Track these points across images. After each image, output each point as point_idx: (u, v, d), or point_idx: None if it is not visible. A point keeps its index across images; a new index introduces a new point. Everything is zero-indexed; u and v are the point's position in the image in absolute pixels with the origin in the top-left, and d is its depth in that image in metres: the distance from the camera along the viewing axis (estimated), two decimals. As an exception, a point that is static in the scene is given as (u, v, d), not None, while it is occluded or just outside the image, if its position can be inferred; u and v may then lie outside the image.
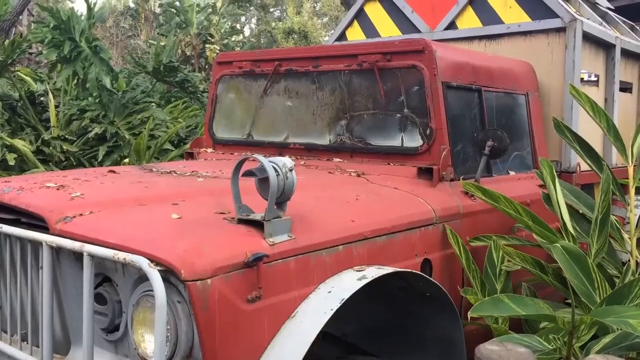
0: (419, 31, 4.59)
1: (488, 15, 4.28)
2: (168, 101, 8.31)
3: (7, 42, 6.24)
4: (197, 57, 13.83)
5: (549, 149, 3.90)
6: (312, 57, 3.58)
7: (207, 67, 13.76)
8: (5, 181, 2.61)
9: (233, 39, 15.84)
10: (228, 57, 4.04)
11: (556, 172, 3.18)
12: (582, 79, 4.09)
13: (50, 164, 5.87)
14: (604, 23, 4.74)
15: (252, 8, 27.49)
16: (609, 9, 5.39)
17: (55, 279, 2.16)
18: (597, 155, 3.28)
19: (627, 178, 3.26)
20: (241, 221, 2.14)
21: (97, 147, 6.07)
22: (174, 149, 6.36)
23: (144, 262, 1.80)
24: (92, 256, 1.96)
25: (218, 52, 13.89)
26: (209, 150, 3.99)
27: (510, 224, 3.27)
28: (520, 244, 3.08)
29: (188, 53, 13.78)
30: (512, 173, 3.58)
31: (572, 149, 3.41)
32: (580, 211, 3.24)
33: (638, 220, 3.42)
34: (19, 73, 7.40)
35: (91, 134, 5.96)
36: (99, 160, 5.87)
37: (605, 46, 4.46)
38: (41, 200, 2.31)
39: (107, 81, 6.07)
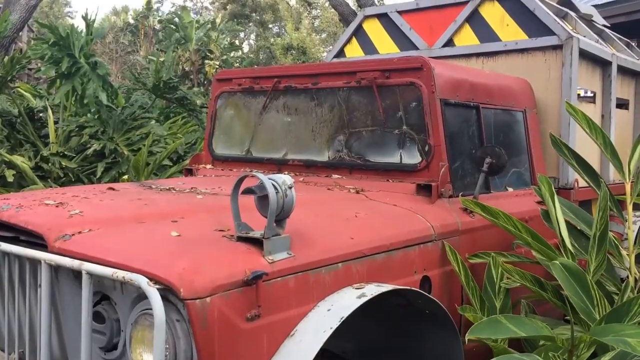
0: (417, 48, 4.62)
1: (485, 33, 4.31)
2: (167, 117, 8.34)
3: (6, 58, 6.27)
4: (196, 72, 13.91)
5: (547, 165, 3.91)
6: (311, 74, 3.60)
7: (205, 82, 13.84)
8: (4, 198, 2.62)
9: (232, 54, 15.93)
10: (227, 75, 4.06)
11: (554, 188, 3.18)
12: (579, 95, 4.12)
13: (49, 180, 5.87)
14: (600, 40, 4.78)
15: (251, 24, 27.68)
16: (604, 26, 5.45)
17: (53, 297, 2.15)
18: (594, 172, 3.29)
19: (625, 194, 3.27)
20: (240, 239, 2.14)
21: (95, 163, 6.08)
22: (172, 165, 6.36)
23: (143, 281, 1.80)
24: (90, 275, 1.96)
25: (217, 67, 13.97)
26: (208, 166, 4.00)
27: (509, 241, 3.27)
28: (520, 261, 3.08)
29: (187, 69, 13.86)
30: (510, 189, 3.59)
31: (569, 165, 3.43)
32: (579, 228, 3.24)
33: (636, 237, 3.42)
34: (18, 89, 7.43)
35: (90, 151, 5.97)
36: (98, 176, 5.87)
37: (601, 63, 4.49)
38: (40, 217, 2.31)
39: (103, 97, 6.09)
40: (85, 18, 6.40)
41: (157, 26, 18.46)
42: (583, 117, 3.13)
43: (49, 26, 6.12)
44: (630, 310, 2.29)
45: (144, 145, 5.99)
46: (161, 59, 11.47)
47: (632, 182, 3.22)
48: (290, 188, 2.14)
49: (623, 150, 3.80)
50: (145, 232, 2.22)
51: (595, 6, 7.16)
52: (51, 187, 5.62)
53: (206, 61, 14.04)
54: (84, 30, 6.39)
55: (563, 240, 2.84)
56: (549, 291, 2.80)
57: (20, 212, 2.37)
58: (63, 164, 5.89)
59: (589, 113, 3.69)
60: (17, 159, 5.55)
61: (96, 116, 6.26)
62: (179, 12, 16.01)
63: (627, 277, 3.07)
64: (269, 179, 2.11)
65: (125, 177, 5.71)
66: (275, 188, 2.10)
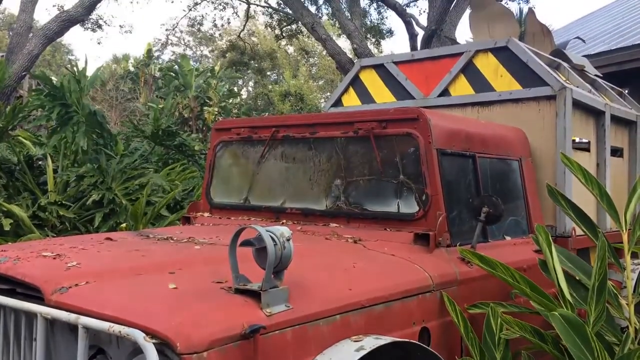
0: (413, 98, 4.70)
1: (480, 83, 4.39)
2: (165, 163, 8.39)
3: (8, 108, 6.35)
4: (195, 119, 14.06)
5: (544, 213, 3.93)
6: (309, 124, 3.65)
7: (204, 128, 13.98)
8: (2, 250, 2.61)
9: (230, 101, 16.15)
10: (226, 124, 4.11)
11: (551, 237, 3.19)
12: (574, 141, 4.17)
13: (46, 228, 5.85)
14: (593, 90, 4.87)
15: (249, 71, 28.13)
16: (597, 76, 5.56)
17: (48, 351, 2.13)
18: (591, 222, 3.31)
19: (622, 242, 3.28)
20: (238, 291, 2.14)
21: (93, 211, 6.07)
22: (169, 214, 6.36)
23: (139, 336, 1.79)
24: (87, 328, 1.94)
25: (216, 114, 14.13)
26: (206, 214, 4.01)
27: (508, 290, 3.25)
28: (519, 311, 3.06)
29: (186, 115, 14.01)
30: (507, 238, 3.60)
31: (566, 215, 3.44)
32: (577, 277, 3.23)
33: (635, 285, 3.40)
34: (18, 137, 7.49)
35: (89, 201, 5.97)
36: (96, 226, 5.86)
37: (595, 113, 4.57)
38: (37, 270, 2.31)
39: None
40: (72, 70, 6.50)
41: (157, 74, 18.76)
42: (578, 168, 3.17)
43: (43, 77, 6.22)
44: (632, 363, 2.27)
45: (142, 194, 6.00)
46: (160, 106, 11.62)
47: (629, 230, 3.23)
48: (288, 240, 2.15)
49: (618, 197, 3.83)
50: (142, 285, 2.21)
51: (587, 56, 7.32)
52: (48, 236, 5.60)
53: (205, 108, 14.23)
54: (79, 79, 6.48)
55: (562, 290, 2.83)
56: (549, 342, 2.78)
57: (17, 265, 2.36)
58: (60, 213, 5.88)
59: (584, 161, 3.73)
60: (15, 208, 5.55)
61: (95, 166, 6.30)
62: (179, 60, 16.30)
63: (627, 327, 3.04)
64: (267, 230, 2.12)
65: (123, 225, 5.70)
66: (273, 240, 2.11)
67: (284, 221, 3.57)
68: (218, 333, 1.90)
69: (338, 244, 3.06)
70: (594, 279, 2.85)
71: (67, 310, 2.04)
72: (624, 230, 3.16)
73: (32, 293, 2.22)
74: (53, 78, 6.31)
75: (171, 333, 1.83)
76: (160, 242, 2.99)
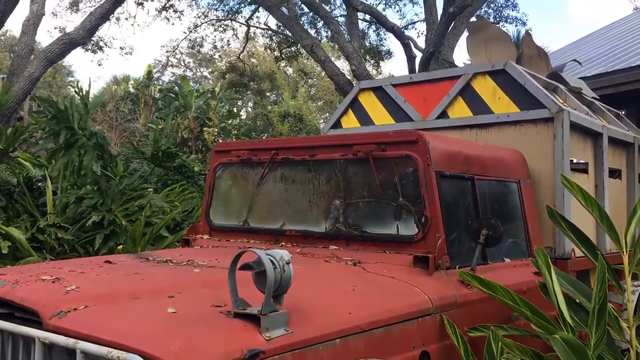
0: (411, 120, 4.72)
1: (478, 106, 4.42)
2: (165, 184, 8.39)
3: (9, 130, 6.37)
4: (194, 139, 14.11)
5: (543, 234, 3.93)
6: (308, 146, 3.67)
7: (203, 149, 14.02)
8: (1, 274, 2.60)
9: (230, 122, 16.22)
10: (226, 146, 4.13)
11: (551, 259, 3.19)
12: (571, 161, 4.18)
13: (44, 251, 5.83)
14: (590, 112, 4.90)
15: (249, 92, 28.30)
16: (594, 98, 5.60)
17: (46, 376, 2.11)
18: (591, 244, 3.30)
19: (622, 263, 3.27)
20: (237, 315, 2.13)
21: (92, 232, 6.06)
22: (169, 235, 6.35)
23: (138, 361, 1.78)
24: (85, 353, 1.93)
25: (216, 134, 14.19)
26: (205, 236, 4.00)
27: (508, 312, 3.24)
28: (519, 334, 3.04)
29: (185, 136, 14.06)
30: (507, 260, 3.59)
31: (566, 236, 3.44)
32: (577, 300, 3.22)
33: (635, 308, 3.39)
34: (18, 158, 7.50)
35: (89, 223, 5.96)
36: (96, 247, 5.84)
37: (592, 135, 4.59)
38: (36, 294, 2.30)
39: (97, 168, 6.14)
40: (79, 92, 6.54)
41: (157, 95, 18.86)
42: (578, 190, 3.17)
43: (47, 100, 6.25)
44: (633, 387, 2.25)
45: (142, 215, 5.99)
46: (160, 127, 11.67)
47: (630, 252, 3.23)
48: (287, 263, 2.15)
49: (617, 219, 3.82)
50: (141, 309, 2.20)
51: (584, 78, 7.37)
52: (46, 258, 5.58)
53: (205, 128, 14.29)
54: (81, 102, 6.51)
55: (562, 313, 2.82)
56: (550, 366, 2.76)
57: (16, 289, 2.35)
58: (59, 235, 5.87)
59: (582, 183, 3.74)
60: (14, 231, 5.54)
61: (95, 188, 6.30)
62: (179, 81, 16.42)
63: (628, 350, 3.03)
64: (267, 254, 2.12)
65: (120, 247, 5.68)
66: (273, 264, 2.11)
67: (284, 243, 3.57)
68: (217, 358, 1.89)
69: (338, 266, 3.05)
70: (594, 302, 2.84)
71: (65, 335, 2.03)
72: (625, 252, 3.15)
73: (31, 317, 2.22)
74: (59, 100, 6.32)
75: (170, 358, 1.82)
76: (159, 265, 2.98)
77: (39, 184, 6.85)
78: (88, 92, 6.65)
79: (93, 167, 6.06)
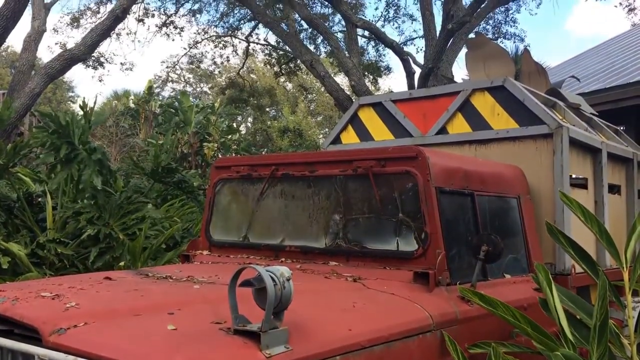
0: (411, 135, 4.74)
1: (477, 122, 4.44)
2: (164, 199, 8.39)
3: (9, 146, 6.38)
4: (194, 154, 14.13)
5: (543, 250, 3.92)
6: (308, 162, 3.68)
7: (203, 164, 14.04)
8: (1, 290, 2.60)
9: (230, 137, 16.25)
10: (226, 162, 4.14)
11: (551, 275, 3.18)
12: (571, 177, 4.19)
13: (44, 267, 5.82)
14: (589, 128, 4.92)
15: (248, 108, 28.37)
16: (593, 114, 5.62)
17: (44, 394, 2.10)
18: (591, 260, 3.30)
19: (622, 279, 3.27)
20: (237, 332, 2.12)
21: (90, 248, 6.05)
22: (169, 248, 6.33)
23: (138, 379, 1.77)
24: (84, 371, 1.92)
25: (215, 150, 14.21)
26: (205, 252, 4.00)
27: (509, 329, 3.22)
28: (520, 351, 3.03)
29: (185, 151, 14.09)
30: (507, 276, 3.59)
31: (566, 253, 3.44)
32: (578, 316, 3.21)
33: (636, 324, 3.38)
34: (18, 173, 7.50)
35: (84, 236, 5.95)
36: (91, 261, 5.82)
37: (591, 150, 4.60)
38: (36, 311, 2.29)
39: (98, 182, 6.15)
40: (82, 107, 6.57)
41: (158, 110, 18.91)
42: (578, 207, 3.18)
43: (49, 115, 6.27)
44: (635, 405, 2.24)
45: (140, 229, 5.98)
46: (160, 142, 11.68)
47: (630, 268, 3.22)
48: (288, 280, 2.15)
49: (617, 235, 3.82)
50: (141, 326, 2.20)
51: (582, 94, 7.41)
52: (46, 274, 5.57)
53: (204, 143, 14.32)
54: (83, 117, 6.53)
55: (563, 329, 2.81)
56: (551, 383, 2.74)
57: (16, 305, 2.35)
58: (59, 250, 5.86)
59: (581, 199, 3.74)
60: (13, 247, 5.53)
61: (93, 202, 6.30)
62: (179, 97, 16.47)
63: (630, 367, 3.01)
64: (267, 270, 2.12)
65: (122, 264, 5.67)
66: (273, 280, 2.10)
67: (283, 259, 3.56)
68: (217, 375, 1.88)
69: (337, 282, 3.05)
70: (595, 318, 2.83)
71: (65, 352, 2.02)
72: (625, 269, 3.15)
73: (30, 334, 2.21)
74: (60, 115, 6.34)
75: (170, 376, 1.82)
76: (159, 281, 2.98)
77: (39, 199, 6.84)
78: (92, 108, 6.67)
79: (94, 182, 6.06)
